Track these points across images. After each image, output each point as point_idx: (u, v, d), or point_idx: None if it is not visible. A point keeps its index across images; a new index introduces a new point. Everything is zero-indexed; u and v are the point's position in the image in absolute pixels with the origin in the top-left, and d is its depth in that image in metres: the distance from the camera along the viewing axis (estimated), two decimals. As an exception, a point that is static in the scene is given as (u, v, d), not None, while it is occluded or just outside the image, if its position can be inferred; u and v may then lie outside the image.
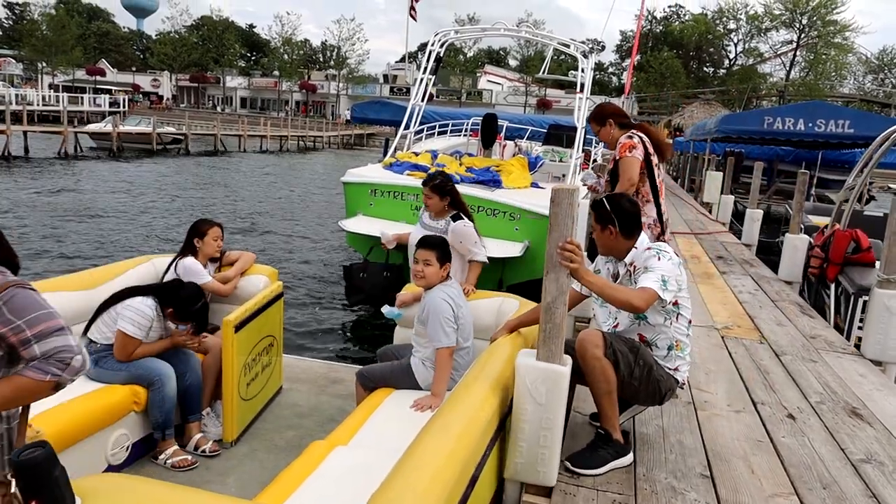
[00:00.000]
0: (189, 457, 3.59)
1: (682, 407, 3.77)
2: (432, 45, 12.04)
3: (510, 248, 8.53)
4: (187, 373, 3.74)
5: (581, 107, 11.43)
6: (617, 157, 4.12)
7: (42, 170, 24.40)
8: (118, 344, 3.59)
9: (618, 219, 3.01)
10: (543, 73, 19.64)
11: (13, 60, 67.51)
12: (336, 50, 71.39)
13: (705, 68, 68.91)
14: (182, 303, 3.68)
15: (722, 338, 5.25)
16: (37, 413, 2.96)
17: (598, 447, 3.00)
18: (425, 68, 12.11)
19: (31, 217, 14.87)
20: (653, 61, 60.79)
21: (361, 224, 9.03)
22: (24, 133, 29.37)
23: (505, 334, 3.30)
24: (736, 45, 66.05)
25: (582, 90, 11.27)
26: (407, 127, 12.15)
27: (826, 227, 8.57)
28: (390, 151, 11.68)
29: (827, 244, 7.85)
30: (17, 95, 43.67)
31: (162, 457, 3.56)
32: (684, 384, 3.14)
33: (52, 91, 55.02)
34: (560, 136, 14.05)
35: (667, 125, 45.56)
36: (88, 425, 3.21)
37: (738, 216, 14.36)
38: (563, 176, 11.71)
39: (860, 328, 6.62)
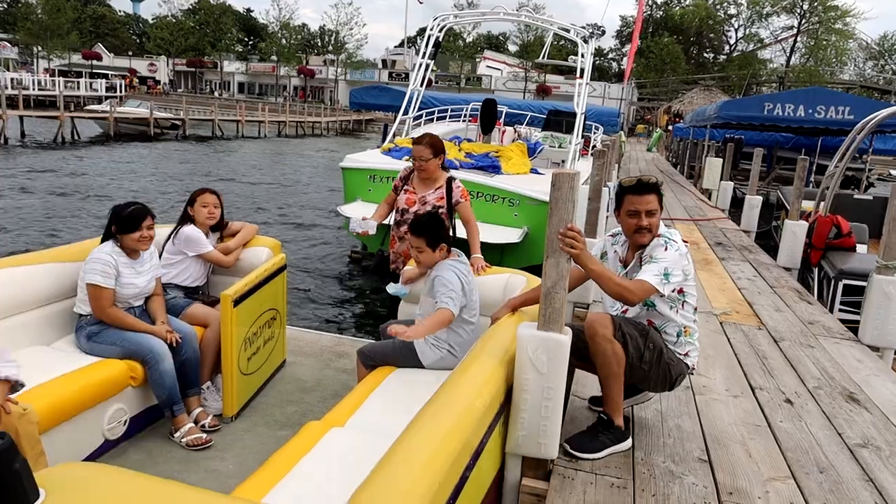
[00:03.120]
0: (204, 435, 3.57)
1: (681, 391, 3.78)
2: (431, 29, 11.97)
3: (509, 234, 8.53)
4: (184, 347, 3.70)
5: (581, 92, 11.38)
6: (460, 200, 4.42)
7: (38, 154, 24.29)
8: (91, 300, 3.54)
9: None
10: (543, 58, 19.51)
11: (8, 44, 66.92)
12: (334, 35, 70.96)
13: (705, 54, 68.63)
14: (120, 217, 3.58)
15: (721, 323, 5.26)
16: (29, 388, 2.93)
17: (599, 432, 3.02)
18: (424, 53, 12.04)
19: (27, 199, 14.82)
20: (653, 47, 60.49)
21: (360, 209, 9.01)
22: (21, 118, 29.21)
23: (507, 313, 3.27)
24: (736, 30, 65.80)
25: (582, 75, 11.22)
26: (406, 112, 12.11)
27: (810, 213, 8.67)
28: (389, 137, 11.64)
29: (810, 230, 7.95)
30: (12, 80, 43.37)
31: (177, 435, 3.55)
32: (694, 369, 3.15)
33: (48, 75, 54.62)
34: (560, 121, 14.01)
35: (666, 111, 45.47)
36: (84, 400, 3.18)
37: (738, 203, 14.35)
38: (563, 162, 11.69)
39: (841, 311, 6.73)
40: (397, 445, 1.99)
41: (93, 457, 3.30)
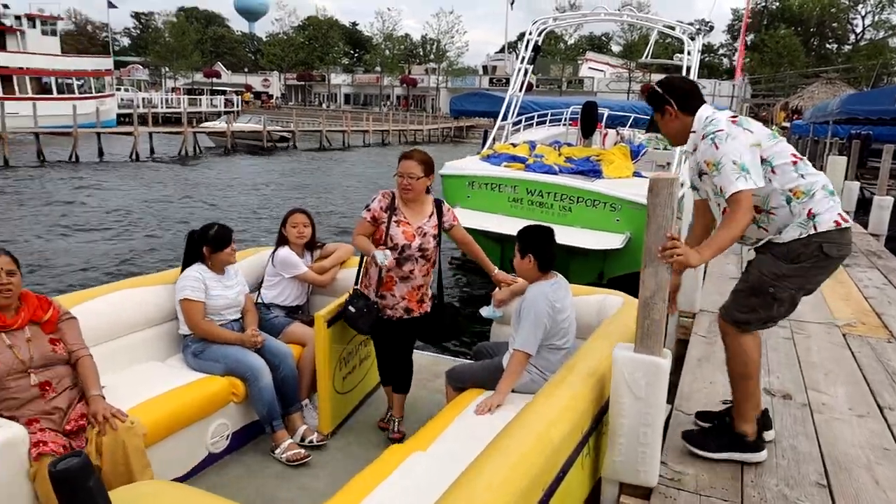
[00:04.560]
0: (302, 451, 3.65)
1: (797, 409, 3.51)
2: (530, 33, 11.89)
3: (611, 240, 8.30)
4: (281, 365, 3.82)
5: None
6: (454, 224, 3.88)
7: (165, 169, 26.24)
8: (185, 314, 3.75)
9: (674, 97, 2.79)
10: (646, 57, 18.85)
11: (140, 66, 72.79)
12: (436, 43, 72.07)
13: (828, 45, 64.00)
14: (212, 238, 3.84)
15: (844, 336, 4.86)
16: (137, 403, 3.14)
17: (722, 433, 2.90)
18: (523, 57, 11.97)
19: (149, 213, 16.01)
20: (768, 40, 57.10)
21: (459, 217, 9.06)
22: (150, 134, 31.64)
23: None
24: (863, 17, 60.91)
25: (689, 74, 10.75)
26: (504, 118, 12.08)
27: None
28: (487, 143, 11.64)
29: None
30: (143, 99, 47.06)
31: (278, 451, 3.66)
32: (842, 223, 2.65)
33: (173, 94, 58.86)
34: (665, 122, 13.48)
35: (783, 107, 42.77)
36: (188, 414, 3.34)
37: (864, 204, 13.24)
38: (668, 164, 11.24)
39: None
40: (465, 475, 1.96)
41: (196, 470, 3.46)
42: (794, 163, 2.68)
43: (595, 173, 9.42)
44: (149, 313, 3.85)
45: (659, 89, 2.84)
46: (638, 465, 2.57)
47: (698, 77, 11.42)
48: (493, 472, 2.00)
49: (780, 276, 2.70)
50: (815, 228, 2.63)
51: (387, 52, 72.40)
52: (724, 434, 2.90)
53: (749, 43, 56.83)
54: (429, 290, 3.79)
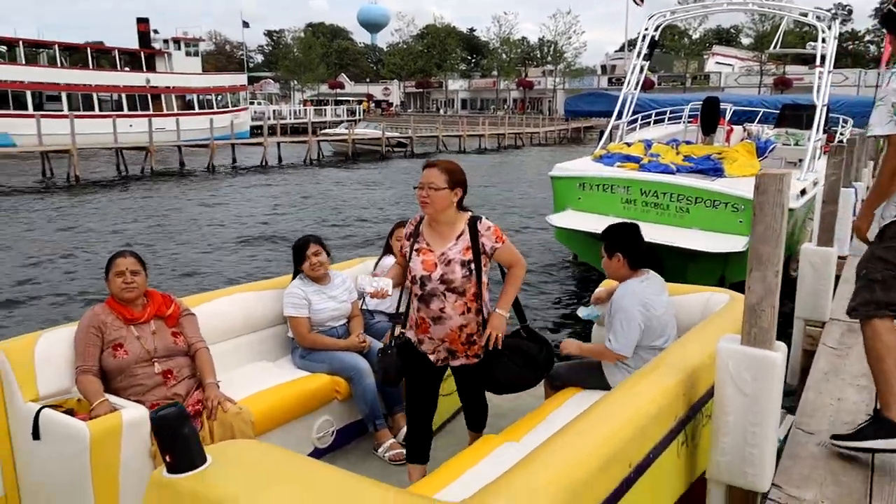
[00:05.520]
0: (405, 450, 3.65)
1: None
2: (646, 29, 11.45)
3: (733, 243, 7.82)
4: None
5: (822, 82, 10.06)
6: (496, 245, 3.05)
7: (292, 174, 27.79)
8: (292, 329, 3.93)
9: None
10: (775, 47, 17.53)
11: (272, 81, 77.54)
12: (553, 45, 71.35)
13: None
14: (293, 252, 4.00)
15: None
16: (247, 395, 3.32)
17: (866, 423, 2.79)
18: (638, 53, 11.55)
19: (270, 218, 16.97)
20: (924, 22, 51.58)
21: (570, 219, 8.88)
22: (278, 144, 33.66)
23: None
24: None
25: (823, 63, 9.92)
26: (619, 117, 11.71)
27: None
28: (601, 143, 11.33)
29: None
30: (274, 111, 50.08)
31: (380, 450, 3.75)
32: None
33: (301, 105, 62.14)
34: (797, 116, 12.54)
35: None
36: (294, 408, 3.50)
37: None
38: (800, 161, 10.41)
39: None
40: (546, 445, 1.92)
41: None
42: None
43: (716, 172, 8.92)
44: (262, 316, 4.05)
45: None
46: (746, 466, 2.38)
47: (837, 66, 10.51)
48: (575, 442, 1.96)
49: (870, 257, 2.79)
50: None
51: (503, 55, 72.56)
52: (876, 424, 2.74)
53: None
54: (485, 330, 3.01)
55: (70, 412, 2.83)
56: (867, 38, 70.91)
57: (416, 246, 3.05)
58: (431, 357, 3.07)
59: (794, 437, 3.05)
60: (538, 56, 77.16)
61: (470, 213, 3.06)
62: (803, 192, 8.93)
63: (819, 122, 10.00)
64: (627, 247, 3.32)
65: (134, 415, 2.80)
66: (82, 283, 10.35)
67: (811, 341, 4.62)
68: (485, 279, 3.01)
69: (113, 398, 2.94)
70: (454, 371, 3.16)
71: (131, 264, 3.17)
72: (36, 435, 2.72)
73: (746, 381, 2.31)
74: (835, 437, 2.94)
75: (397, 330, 3.21)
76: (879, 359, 2.67)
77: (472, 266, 2.95)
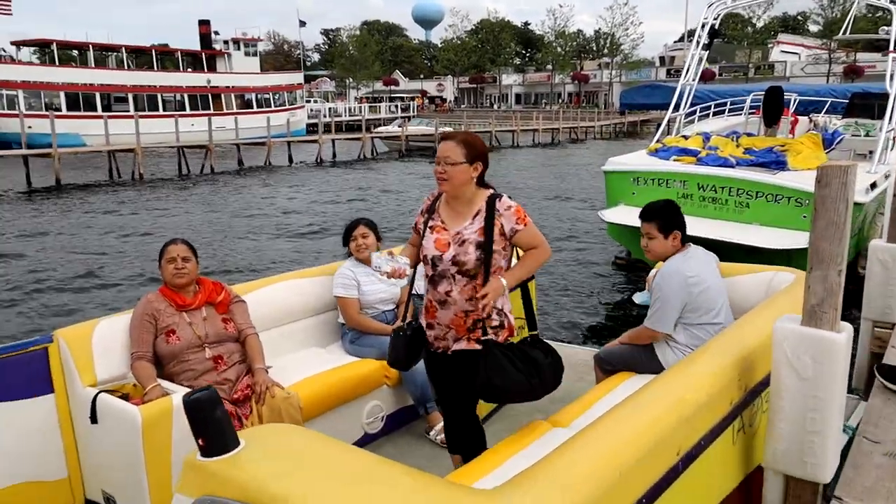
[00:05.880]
0: None
1: None
2: (705, 17, 11.10)
3: (797, 239, 7.50)
4: None
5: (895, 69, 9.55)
6: (517, 227, 2.75)
7: (345, 171, 28.21)
8: (341, 310, 3.95)
9: None
10: (844, 33, 16.71)
11: (328, 79, 78.78)
12: (609, 37, 70.07)
13: None
14: (345, 231, 4.06)
15: None
16: (299, 380, 3.37)
17: None
18: (697, 43, 11.21)
19: (322, 212, 17.24)
20: None
21: (623, 214, 8.70)
22: (332, 141, 34.17)
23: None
24: None
25: (896, 48, 9.42)
26: (676, 109, 11.40)
27: None
28: (657, 136, 11.05)
29: None
30: (329, 109, 50.86)
31: (432, 432, 3.77)
32: None
33: (357, 103, 62.94)
34: (868, 105, 11.95)
35: None
36: (344, 392, 3.53)
37: None
38: (870, 153, 9.91)
39: None
40: (589, 429, 1.86)
41: None
42: None
43: (779, 165, 8.58)
44: (311, 303, 4.09)
45: None
46: (805, 455, 2.25)
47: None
48: (617, 429, 1.90)
49: None
50: None
51: (558, 49, 71.69)
52: None
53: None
54: (495, 317, 2.77)
55: (125, 397, 2.93)
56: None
57: (430, 223, 2.82)
58: (437, 344, 2.83)
59: (859, 445, 2.89)
60: (594, 49, 75.87)
61: (491, 191, 2.78)
62: (873, 185, 8.50)
63: (891, 111, 9.49)
64: (682, 223, 3.26)
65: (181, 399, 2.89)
66: (143, 270, 10.83)
67: (879, 343, 4.37)
68: (503, 263, 2.73)
69: (166, 383, 3.03)
70: (452, 360, 2.80)
71: (182, 251, 3.25)
72: (94, 419, 2.83)
73: (806, 365, 2.18)
74: (881, 369, 3.05)
75: (409, 315, 3.03)
76: None
77: (484, 247, 2.67)
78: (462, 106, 77.60)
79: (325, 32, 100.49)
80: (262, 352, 3.34)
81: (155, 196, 20.79)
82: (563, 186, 22.35)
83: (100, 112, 35.80)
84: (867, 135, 10.95)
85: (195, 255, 3.32)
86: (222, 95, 44.55)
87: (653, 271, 3.81)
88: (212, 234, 14.33)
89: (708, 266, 3.28)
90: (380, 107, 60.27)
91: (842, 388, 2.22)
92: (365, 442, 3.70)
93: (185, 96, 42.77)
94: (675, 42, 72.41)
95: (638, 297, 3.82)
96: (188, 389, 2.97)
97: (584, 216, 16.07)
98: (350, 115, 53.64)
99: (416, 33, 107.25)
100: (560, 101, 72.24)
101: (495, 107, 74.55)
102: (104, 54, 42.44)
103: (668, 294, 3.13)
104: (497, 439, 3.70)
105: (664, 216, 3.25)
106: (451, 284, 2.73)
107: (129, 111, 36.78)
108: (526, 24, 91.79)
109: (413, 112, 60.81)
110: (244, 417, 3.12)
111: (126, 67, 42.01)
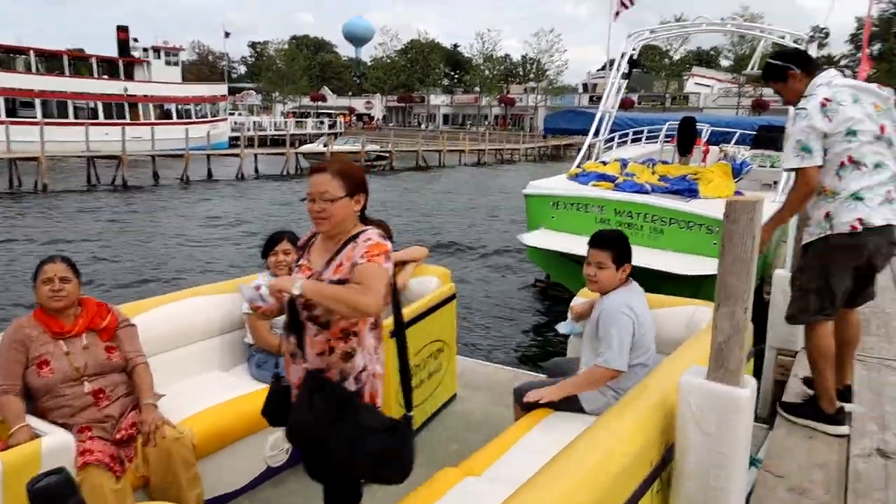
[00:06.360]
0: None
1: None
2: (625, 48, 11.42)
3: (707, 265, 7.69)
4: None
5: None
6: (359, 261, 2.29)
7: (266, 185, 27.49)
8: (250, 329, 3.71)
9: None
10: (752, 69, 17.68)
11: (254, 92, 77.17)
12: (535, 62, 71.89)
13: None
14: (265, 243, 3.83)
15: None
16: (193, 413, 3.08)
17: (806, 404, 3.43)
18: (617, 71, 11.52)
19: (240, 228, 16.69)
20: (896, 49, 52.85)
21: (542, 238, 8.73)
22: (255, 156, 33.32)
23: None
24: None
25: (799, 85, 9.93)
26: (596, 135, 11.64)
27: None
28: (577, 161, 11.23)
29: None
30: (254, 122, 49.70)
31: None
32: (861, 221, 3.08)
33: (283, 117, 61.84)
34: (772, 138, 12.57)
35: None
36: (245, 426, 3.22)
37: None
38: (775, 183, 10.40)
39: None
40: (516, 494, 1.74)
41: (254, 483, 3.37)
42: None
43: (691, 193, 8.84)
44: (215, 322, 3.81)
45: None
46: None
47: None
48: (549, 490, 1.77)
49: (801, 269, 3.35)
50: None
51: (486, 72, 72.92)
52: (807, 404, 3.40)
53: (875, 53, 52.81)
54: (351, 381, 2.35)
55: None
56: (843, 62, 72.37)
57: (300, 261, 2.44)
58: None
59: (764, 481, 2.89)
60: (521, 73, 77.62)
61: (369, 228, 2.36)
62: (778, 214, 8.88)
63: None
64: (631, 258, 3.16)
65: (55, 443, 2.53)
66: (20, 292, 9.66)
67: (782, 371, 4.48)
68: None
69: (36, 421, 2.68)
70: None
71: (61, 270, 2.90)
72: None
73: (709, 421, 2.14)
74: (783, 405, 3.53)
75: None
76: (814, 361, 3.26)
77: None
78: (390, 124, 77.56)
79: (253, 45, 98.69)
80: (151, 384, 3.01)
81: (55, 207, 19.61)
82: (498, 205, 22.54)
83: (3, 117, 33.68)
84: (772, 166, 11.51)
85: (77, 275, 2.98)
86: (140, 105, 42.79)
87: (577, 300, 3.74)
88: (113, 249, 13.56)
89: (644, 304, 3.20)
90: (306, 122, 59.45)
91: (745, 443, 2.19)
92: (268, 476, 3.44)
93: (100, 104, 40.78)
94: (597, 70, 74.87)
95: (562, 328, 3.66)
96: (62, 429, 2.67)
97: (510, 237, 16.23)
98: (276, 130, 52.63)
99: (345, 50, 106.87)
100: (487, 122, 73.34)
101: (423, 126, 74.90)
102: (10, 56, 40.05)
103: (622, 329, 2.97)
104: (414, 474, 3.55)
105: (621, 247, 3.12)
106: (304, 334, 2.33)
107: (36, 117, 34.76)
108: (455, 46, 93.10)
109: (340, 129, 60.28)
110: (128, 460, 2.80)
111: (34, 72, 39.74)
